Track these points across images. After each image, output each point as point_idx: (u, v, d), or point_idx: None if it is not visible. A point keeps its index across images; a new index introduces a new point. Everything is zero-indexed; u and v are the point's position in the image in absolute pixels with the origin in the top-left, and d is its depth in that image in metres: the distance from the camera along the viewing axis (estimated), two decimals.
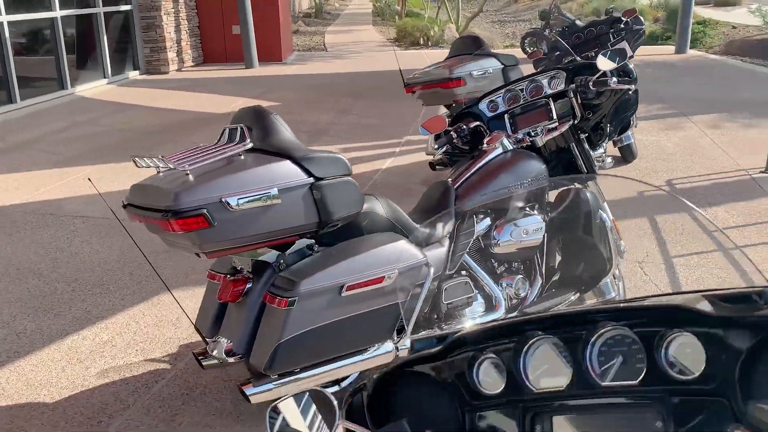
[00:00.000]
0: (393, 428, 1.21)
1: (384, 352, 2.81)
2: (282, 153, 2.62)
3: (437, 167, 5.45)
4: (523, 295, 3.24)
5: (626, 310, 1.32)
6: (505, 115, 3.46)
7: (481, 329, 1.32)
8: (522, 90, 3.46)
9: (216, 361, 2.88)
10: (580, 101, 3.36)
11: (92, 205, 5.61)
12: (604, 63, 3.71)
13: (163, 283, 3.26)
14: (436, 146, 3.44)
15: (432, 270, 2.88)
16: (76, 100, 10.32)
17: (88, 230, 5.09)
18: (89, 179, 3.22)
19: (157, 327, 3.73)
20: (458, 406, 1.29)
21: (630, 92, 3.36)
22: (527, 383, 1.23)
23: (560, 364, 1.24)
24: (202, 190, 2.42)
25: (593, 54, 6.08)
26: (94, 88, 11.05)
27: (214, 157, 2.58)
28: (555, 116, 3.34)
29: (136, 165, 2.76)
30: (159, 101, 9.93)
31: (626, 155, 6.23)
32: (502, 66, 5.42)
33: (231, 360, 2.68)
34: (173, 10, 12.57)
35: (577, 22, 13.00)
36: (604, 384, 1.22)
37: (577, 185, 3.50)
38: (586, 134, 3.52)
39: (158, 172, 2.71)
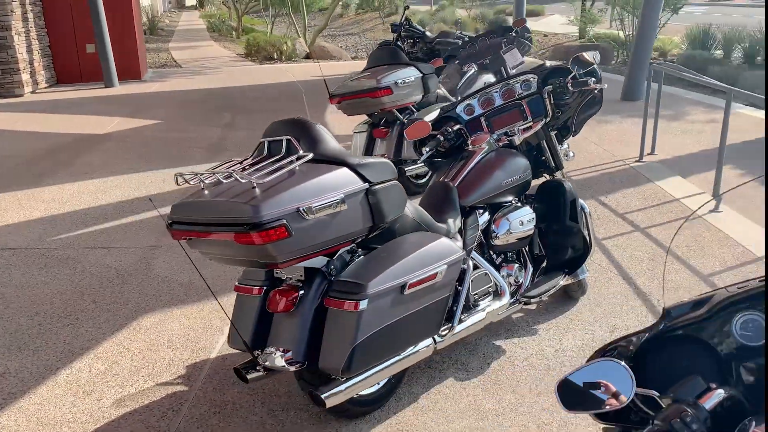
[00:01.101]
0: (688, 382, 1.31)
1: (425, 346, 2.87)
2: (338, 161, 2.61)
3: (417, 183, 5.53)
4: (520, 281, 3.42)
5: None
6: (482, 118, 3.61)
7: (736, 291, 1.45)
8: (495, 93, 3.63)
9: (260, 374, 2.80)
10: (552, 101, 3.58)
11: (12, 235, 5.11)
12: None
13: (212, 293, 3.10)
14: (427, 149, 3.52)
15: (470, 263, 2.98)
16: None
17: (23, 261, 4.65)
18: (150, 199, 2.98)
19: (152, 351, 3.51)
20: (719, 362, 1.41)
21: (596, 92, 3.63)
22: None
23: None
24: (279, 201, 2.37)
25: (488, 61, 6.45)
26: None
27: (270, 169, 2.52)
28: (529, 116, 3.54)
29: (177, 183, 2.64)
30: (31, 125, 9.14)
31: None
32: (422, 74, 5.61)
33: (292, 369, 2.62)
34: (24, 29, 11.57)
35: (428, 33, 13.59)
36: None
37: (557, 177, 3.75)
38: (555, 131, 3.76)
39: (202, 188, 2.60)
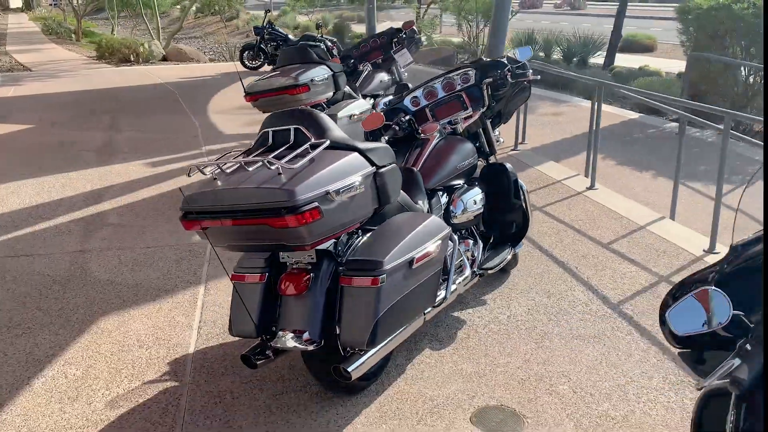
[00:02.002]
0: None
1: (421, 317, 3.01)
2: (349, 146, 2.67)
3: None
4: (475, 256, 3.64)
5: None
6: (426, 109, 3.78)
7: None
8: (438, 86, 3.81)
9: (269, 359, 2.80)
10: (490, 92, 3.81)
11: None
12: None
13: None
14: (386, 137, 3.62)
15: (455, 238, 3.14)
16: None
17: None
18: (180, 189, 2.81)
19: (125, 352, 3.35)
20: None
21: (525, 83, 3.90)
22: None
23: None
24: (311, 185, 2.42)
25: (380, 60, 6.64)
26: None
27: (292, 155, 2.55)
28: (469, 106, 3.75)
29: (188, 174, 2.60)
30: None
31: None
32: (332, 72, 5.67)
33: (310, 348, 2.64)
34: None
35: (290, 36, 13.57)
36: None
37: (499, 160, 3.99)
38: (490, 119, 4.00)
39: (214, 178, 2.58)
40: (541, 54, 14.29)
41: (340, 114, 5.51)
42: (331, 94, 5.67)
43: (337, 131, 2.77)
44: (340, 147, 2.69)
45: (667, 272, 4.19)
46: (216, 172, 2.62)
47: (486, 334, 3.48)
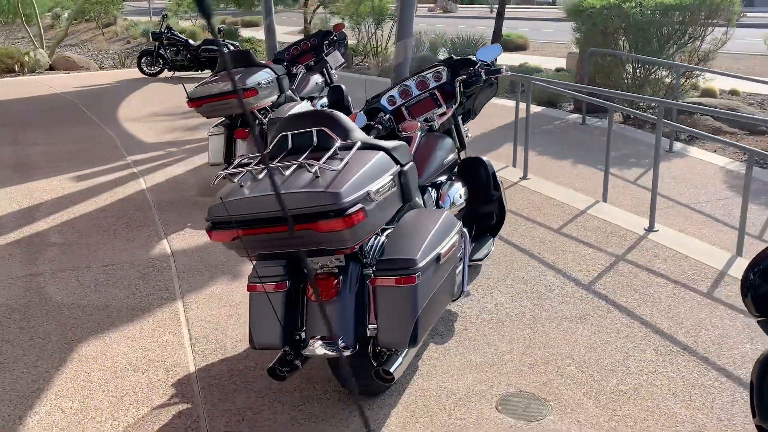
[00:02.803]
0: None
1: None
2: (375, 146, 2.58)
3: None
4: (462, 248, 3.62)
5: None
6: (402, 107, 3.72)
7: None
8: (412, 84, 3.76)
9: (294, 369, 2.65)
10: (462, 89, 3.80)
11: None
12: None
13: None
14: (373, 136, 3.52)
15: (465, 232, 3.09)
16: None
17: None
18: (221, 198, 2.55)
19: (119, 378, 3.06)
20: None
21: (493, 79, 3.91)
22: None
23: None
24: (353, 186, 2.32)
25: (312, 63, 6.50)
26: None
27: (327, 157, 2.42)
28: (443, 103, 3.73)
29: (212, 184, 2.43)
30: None
31: None
32: (276, 75, 5.47)
33: (347, 353, 2.52)
34: None
35: (191, 41, 13.02)
36: None
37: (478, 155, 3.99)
38: (461, 116, 3.99)
39: (240, 186, 2.42)
40: (429, 54, 14.57)
41: (286, 116, 5.33)
42: (275, 97, 5.47)
43: (358, 131, 2.67)
44: (366, 147, 2.59)
45: (621, 251, 4.37)
46: (262, 175, 2.45)
47: (481, 323, 3.48)
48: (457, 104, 3.82)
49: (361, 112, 3.61)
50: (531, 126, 8.26)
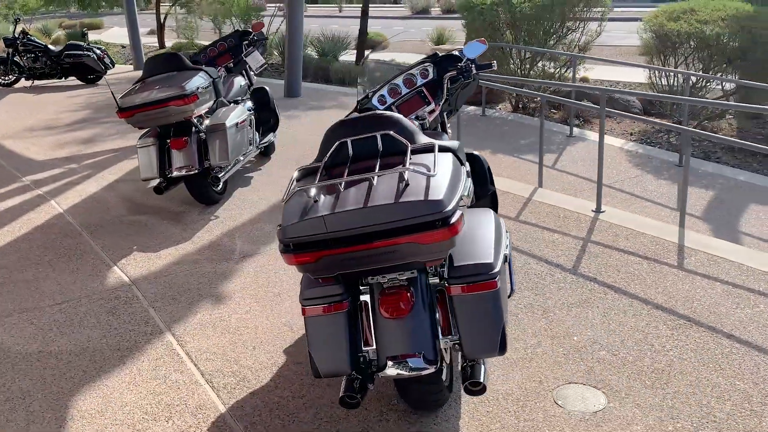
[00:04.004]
0: None
1: None
2: (444, 148, 2.42)
3: (165, 191, 4.84)
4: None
5: None
6: (393, 106, 3.55)
7: None
8: (400, 83, 3.59)
9: (365, 392, 2.43)
10: (449, 86, 3.68)
11: None
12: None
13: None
14: None
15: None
16: None
17: None
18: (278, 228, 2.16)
19: (140, 431, 2.64)
20: None
21: (474, 74, 3.82)
22: None
23: None
24: (450, 191, 2.15)
25: (232, 64, 6.11)
26: None
27: (412, 162, 2.25)
28: (431, 101, 3.60)
29: (284, 200, 2.20)
30: None
31: (269, 151, 6.46)
32: (212, 79, 5.03)
33: (431, 370, 2.35)
34: None
35: (51, 47, 11.82)
36: None
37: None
38: (446, 112, 3.87)
39: (315, 201, 2.18)
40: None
41: (228, 123, 4.95)
42: (212, 102, 5.04)
43: (421, 133, 2.49)
44: (441, 149, 2.43)
45: (584, 234, 4.50)
46: (315, 194, 2.19)
47: None
48: (443, 101, 3.71)
49: (357, 114, 3.39)
50: None
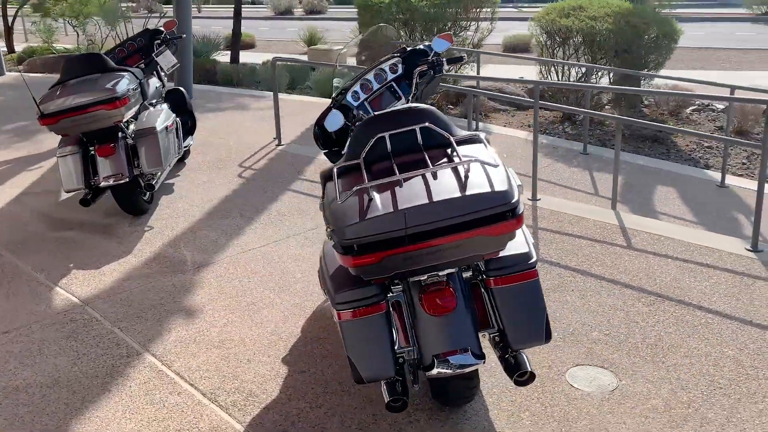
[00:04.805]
0: None
1: None
2: (477, 139, 2.38)
3: (92, 202, 4.43)
4: None
5: None
6: (366, 102, 3.45)
7: None
8: (371, 78, 3.49)
9: (405, 401, 2.33)
10: (419, 80, 3.62)
11: None
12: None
13: None
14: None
15: None
16: None
17: None
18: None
19: None
20: None
21: (436, 73, 3.78)
22: None
23: None
24: (512, 182, 2.13)
25: (143, 65, 5.71)
26: None
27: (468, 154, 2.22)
28: (401, 96, 3.54)
29: (339, 201, 2.09)
30: None
31: (185, 156, 6.09)
32: (139, 81, 4.62)
33: (480, 365, 2.30)
34: None
35: None
36: None
37: None
38: None
39: (369, 199, 2.08)
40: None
41: (158, 127, 4.59)
42: (139, 105, 4.64)
43: (454, 125, 2.43)
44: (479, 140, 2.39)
45: (530, 222, 4.64)
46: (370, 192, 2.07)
47: None
48: (411, 95, 3.66)
49: (338, 111, 3.26)
50: None
